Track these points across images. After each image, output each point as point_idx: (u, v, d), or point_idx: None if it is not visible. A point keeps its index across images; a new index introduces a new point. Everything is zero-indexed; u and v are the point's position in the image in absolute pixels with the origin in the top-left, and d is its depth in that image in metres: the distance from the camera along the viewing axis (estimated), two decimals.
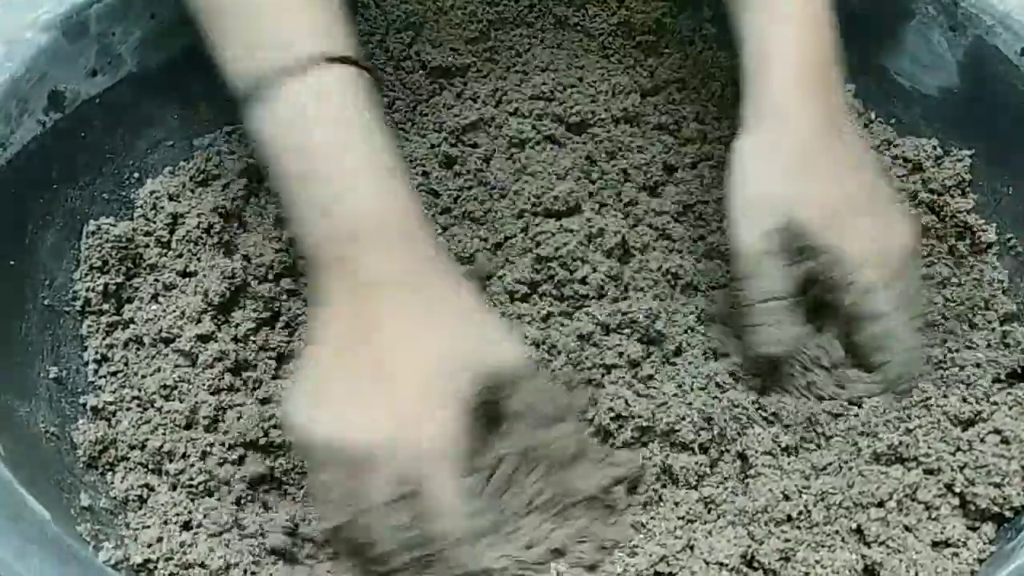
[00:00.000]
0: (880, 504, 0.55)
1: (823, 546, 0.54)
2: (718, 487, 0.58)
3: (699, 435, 0.59)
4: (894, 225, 0.61)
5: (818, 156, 0.59)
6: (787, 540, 0.54)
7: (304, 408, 0.52)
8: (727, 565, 0.53)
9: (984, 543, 0.55)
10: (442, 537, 0.50)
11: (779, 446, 0.59)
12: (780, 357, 0.60)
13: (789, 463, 0.59)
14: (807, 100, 0.60)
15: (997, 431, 0.58)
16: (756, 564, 0.53)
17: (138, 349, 0.65)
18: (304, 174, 0.54)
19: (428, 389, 0.51)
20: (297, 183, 0.54)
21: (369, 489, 0.50)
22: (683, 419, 0.59)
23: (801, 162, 0.59)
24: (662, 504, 0.57)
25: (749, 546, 0.53)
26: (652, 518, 0.57)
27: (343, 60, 0.55)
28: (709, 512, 0.57)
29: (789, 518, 0.55)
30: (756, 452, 0.59)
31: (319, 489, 0.53)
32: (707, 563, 0.53)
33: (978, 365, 0.63)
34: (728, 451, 0.59)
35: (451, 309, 0.54)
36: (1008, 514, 0.56)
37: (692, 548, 0.54)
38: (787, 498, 0.55)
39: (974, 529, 0.55)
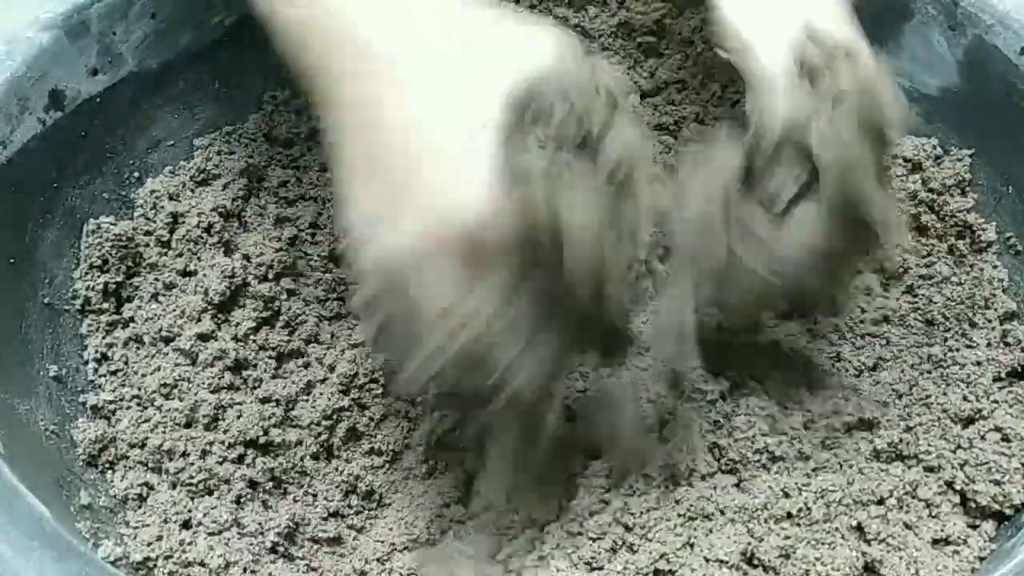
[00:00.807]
0: (880, 502, 0.55)
1: (823, 543, 0.54)
2: (717, 486, 0.58)
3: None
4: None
5: None
6: (787, 537, 0.53)
7: (362, 226, 0.47)
8: (727, 562, 0.53)
9: (984, 541, 0.55)
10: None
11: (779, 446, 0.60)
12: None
13: (788, 463, 0.59)
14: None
15: (997, 429, 0.58)
16: (756, 561, 0.53)
17: (138, 348, 0.65)
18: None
19: (463, 162, 0.44)
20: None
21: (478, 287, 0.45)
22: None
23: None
24: (662, 502, 0.57)
25: (749, 543, 0.53)
26: (652, 515, 0.57)
27: None
28: (709, 509, 0.57)
29: (789, 515, 0.54)
30: (755, 451, 0.59)
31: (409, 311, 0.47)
32: (707, 560, 0.53)
33: (978, 363, 0.63)
34: (728, 449, 0.59)
35: (455, 40, 0.47)
36: (1008, 512, 0.56)
37: (692, 546, 0.54)
38: (787, 495, 0.55)
39: (974, 527, 0.55)
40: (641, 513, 0.56)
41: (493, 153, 0.44)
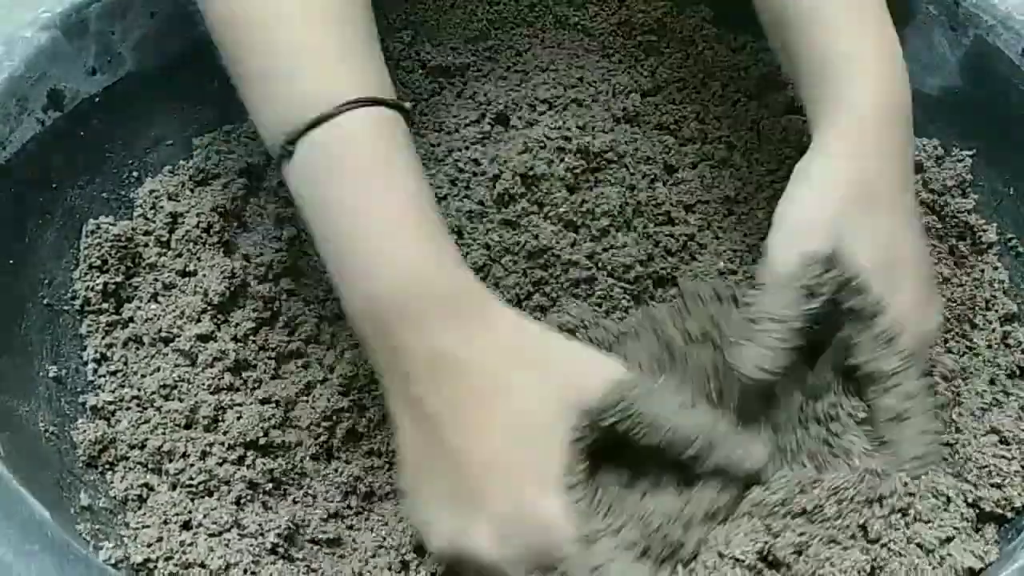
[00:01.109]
0: (881, 504, 0.55)
1: (834, 542, 0.54)
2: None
3: None
4: (931, 304, 0.58)
5: (882, 199, 0.56)
6: (802, 534, 0.53)
7: (427, 518, 0.51)
8: (743, 561, 0.52)
9: (986, 544, 0.54)
10: None
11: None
12: (762, 382, 0.55)
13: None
14: (886, 140, 0.57)
15: (997, 432, 0.58)
16: (771, 557, 0.53)
17: (137, 348, 0.65)
18: (339, 233, 0.51)
19: (533, 470, 0.48)
20: (333, 243, 0.51)
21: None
22: None
23: (866, 199, 0.55)
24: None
25: (767, 541, 0.53)
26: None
27: (374, 102, 0.51)
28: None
29: (804, 511, 0.54)
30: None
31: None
32: (721, 556, 0.53)
33: (978, 366, 0.63)
34: None
35: (518, 360, 0.50)
36: (1009, 515, 0.56)
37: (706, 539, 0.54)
38: (803, 491, 0.55)
39: (975, 529, 0.55)
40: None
41: (561, 471, 0.48)
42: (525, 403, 0.49)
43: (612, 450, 0.51)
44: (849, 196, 0.55)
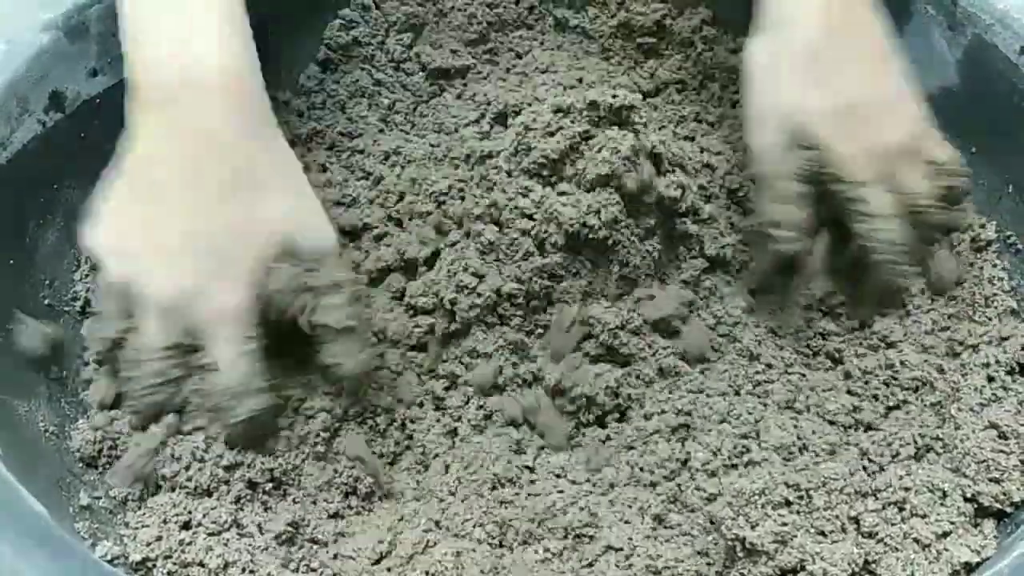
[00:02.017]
0: (877, 498, 0.55)
1: (823, 534, 0.54)
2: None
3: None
4: (892, 122, 0.64)
5: (825, 57, 0.62)
6: (784, 524, 0.53)
7: (110, 238, 0.57)
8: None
9: (983, 538, 0.54)
10: (216, 390, 0.56)
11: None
12: (795, 252, 0.63)
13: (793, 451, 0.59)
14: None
15: (996, 426, 0.58)
16: (749, 546, 0.53)
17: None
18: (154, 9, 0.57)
19: (230, 254, 0.56)
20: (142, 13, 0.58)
21: (152, 330, 0.56)
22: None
23: (806, 66, 0.62)
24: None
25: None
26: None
27: None
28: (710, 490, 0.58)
29: (787, 502, 0.54)
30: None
31: (106, 305, 0.58)
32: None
33: (977, 362, 0.63)
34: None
35: (272, 176, 0.57)
36: (1008, 509, 0.56)
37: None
38: (787, 484, 0.55)
39: (974, 524, 0.55)
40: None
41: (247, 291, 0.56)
42: (246, 213, 0.56)
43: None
44: (791, 69, 0.63)
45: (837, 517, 0.54)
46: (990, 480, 0.56)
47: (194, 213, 0.56)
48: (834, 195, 0.63)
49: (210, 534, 0.57)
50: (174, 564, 0.55)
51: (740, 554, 0.53)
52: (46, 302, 0.63)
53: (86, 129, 0.67)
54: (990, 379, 0.62)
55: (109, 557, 0.53)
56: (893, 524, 0.54)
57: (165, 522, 0.58)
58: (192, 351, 0.57)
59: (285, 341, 0.59)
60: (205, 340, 0.57)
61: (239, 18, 0.59)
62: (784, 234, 0.63)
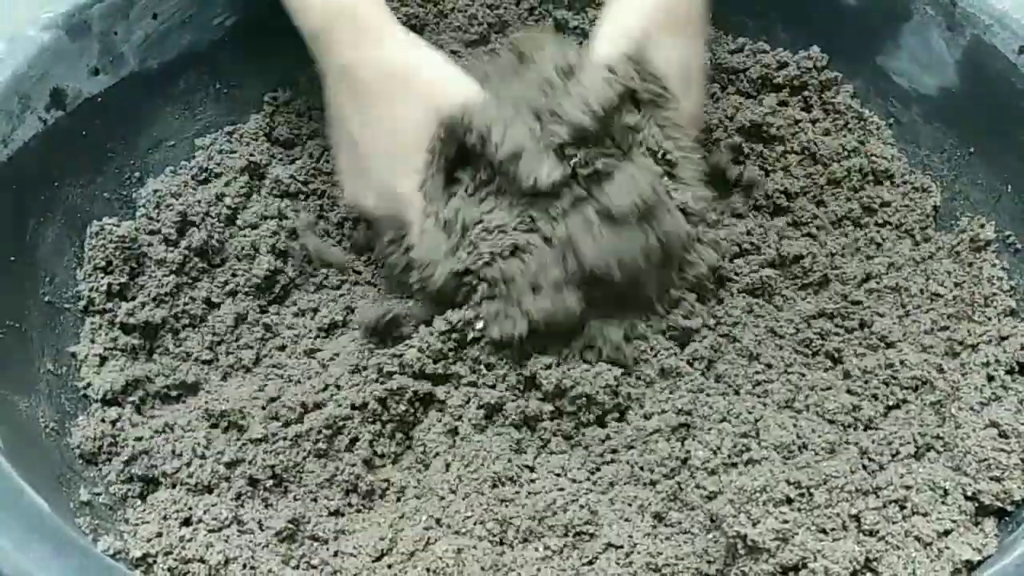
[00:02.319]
0: (878, 496, 0.55)
1: (824, 532, 0.54)
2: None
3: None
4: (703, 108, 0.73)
5: (684, 27, 0.69)
6: (785, 522, 0.53)
7: (343, 179, 0.70)
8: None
9: (985, 536, 0.54)
10: (416, 262, 0.65)
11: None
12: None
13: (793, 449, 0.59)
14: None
15: (996, 425, 0.58)
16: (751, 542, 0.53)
17: (138, 350, 0.65)
18: None
19: (400, 160, 0.65)
20: None
21: (383, 230, 0.68)
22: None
23: (671, 25, 0.67)
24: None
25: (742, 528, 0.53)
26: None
27: None
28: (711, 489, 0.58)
29: (788, 500, 0.54)
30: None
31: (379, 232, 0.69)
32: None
33: (977, 361, 0.63)
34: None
35: (397, 77, 0.65)
36: (1009, 508, 0.56)
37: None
38: (788, 481, 0.55)
39: (975, 523, 0.55)
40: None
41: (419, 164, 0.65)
42: (399, 110, 0.65)
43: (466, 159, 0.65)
44: (655, 21, 0.67)
45: (838, 515, 0.54)
46: (991, 478, 0.56)
47: (370, 144, 0.66)
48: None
49: (210, 531, 0.58)
50: (174, 560, 0.55)
51: (741, 551, 0.53)
52: (46, 299, 0.63)
53: (87, 127, 0.67)
54: (990, 378, 0.62)
55: (111, 552, 0.53)
56: (894, 522, 0.54)
57: (165, 518, 0.58)
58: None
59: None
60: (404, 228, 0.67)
61: None
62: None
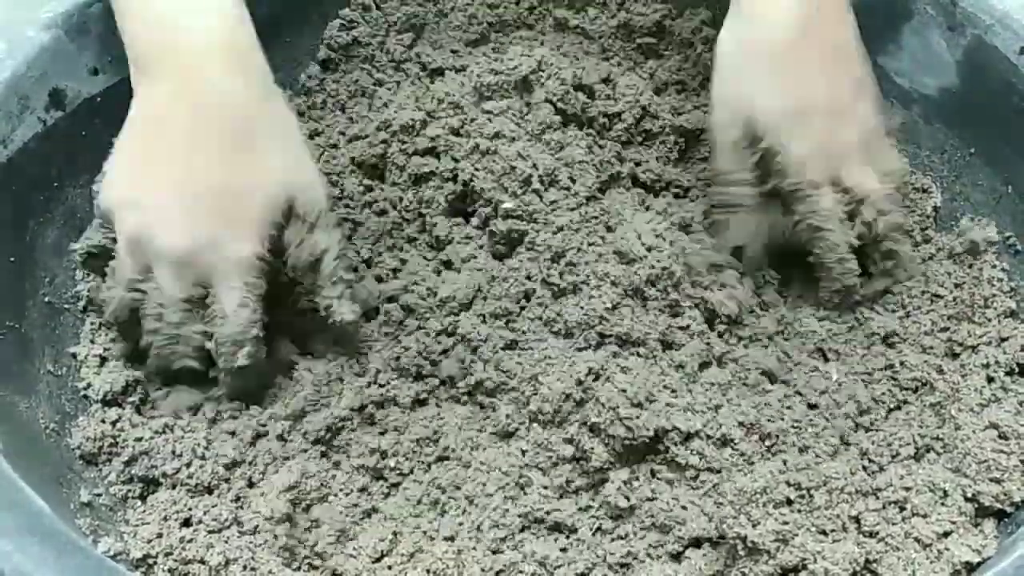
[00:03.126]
0: (878, 498, 0.55)
1: (824, 533, 0.54)
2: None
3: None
4: (845, 124, 0.65)
5: (788, 56, 0.64)
6: (785, 523, 0.53)
7: (123, 192, 0.60)
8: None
9: (984, 538, 0.54)
10: (220, 338, 0.59)
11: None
12: (746, 246, 0.66)
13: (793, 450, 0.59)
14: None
15: (996, 427, 0.58)
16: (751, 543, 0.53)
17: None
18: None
19: (239, 206, 0.59)
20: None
21: (168, 282, 0.59)
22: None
23: (770, 63, 0.64)
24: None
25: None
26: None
27: None
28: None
29: (789, 501, 0.54)
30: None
31: (123, 260, 0.60)
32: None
33: (978, 362, 0.63)
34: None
35: (272, 135, 0.60)
36: (1008, 509, 0.56)
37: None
38: (788, 483, 0.55)
39: (974, 524, 0.55)
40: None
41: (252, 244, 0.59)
42: (250, 168, 0.59)
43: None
44: (755, 63, 0.64)
45: (838, 516, 0.54)
46: (990, 480, 0.56)
47: (203, 169, 0.59)
48: (785, 193, 0.65)
49: (211, 531, 0.58)
50: (175, 561, 0.55)
51: (741, 553, 0.53)
52: (46, 299, 0.63)
53: (87, 127, 0.67)
54: (990, 379, 0.62)
55: (111, 554, 0.53)
56: (894, 524, 0.54)
57: (166, 519, 0.58)
58: (204, 303, 0.60)
59: (277, 300, 0.63)
60: (214, 288, 0.59)
61: None
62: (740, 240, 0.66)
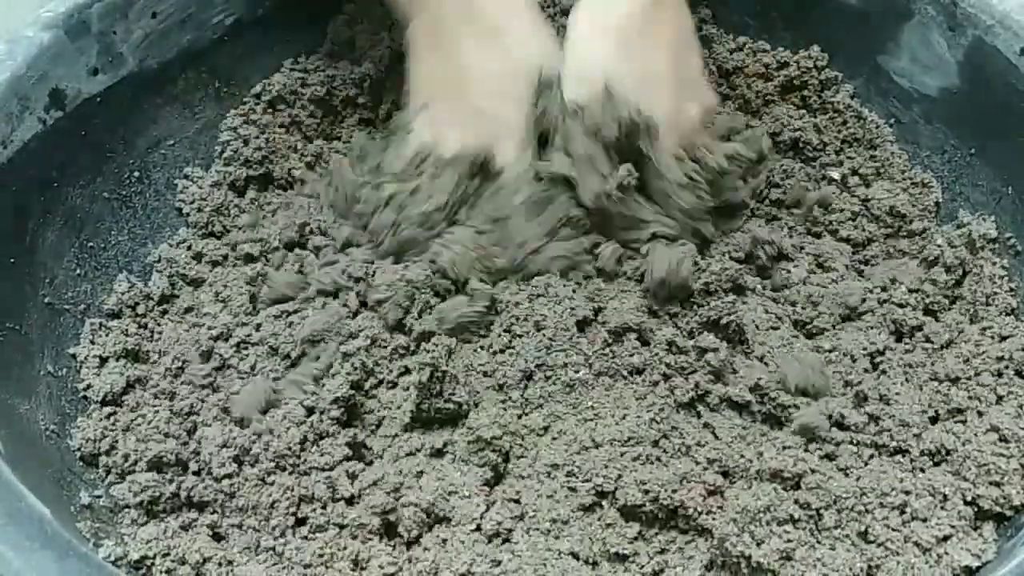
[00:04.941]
0: (879, 504, 0.55)
1: (823, 545, 0.54)
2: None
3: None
4: (692, 97, 0.69)
5: (638, 30, 0.67)
6: (789, 541, 0.53)
7: (430, 130, 0.68)
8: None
9: (984, 542, 0.54)
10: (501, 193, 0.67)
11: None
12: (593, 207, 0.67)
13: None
14: None
15: (996, 429, 0.58)
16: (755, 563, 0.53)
17: (138, 352, 0.65)
18: None
19: (509, 83, 0.67)
20: None
21: (445, 181, 0.67)
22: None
23: (617, 42, 0.67)
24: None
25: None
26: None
27: None
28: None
29: (792, 519, 0.54)
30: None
31: (403, 166, 0.68)
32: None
33: (978, 363, 0.63)
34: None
35: (517, 33, 0.68)
36: (1008, 513, 0.56)
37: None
38: (795, 501, 0.55)
39: (974, 528, 0.55)
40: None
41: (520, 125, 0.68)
42: (519, 40, 0.67)
43: None
44: (607, 43, 0.67)
45: (839, 527, 0.54)
46: (990, 483, 0.56)
47: (474, 91, 0.67)
48: (638, 154, 0.66)
49: (212, 534, 0.57)
50: (172, 562, 0.55)
51: (744, 571, 0.53)
52: (46, 300, 0.63)
53: (87, 127, 0.67)
54: (991, 379, 0.62)
55: (112, 559, 0.53)
56: (894, 528, 0.54)
57: (166, 520, 0.58)
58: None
59: None
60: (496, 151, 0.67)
61: None
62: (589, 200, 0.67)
